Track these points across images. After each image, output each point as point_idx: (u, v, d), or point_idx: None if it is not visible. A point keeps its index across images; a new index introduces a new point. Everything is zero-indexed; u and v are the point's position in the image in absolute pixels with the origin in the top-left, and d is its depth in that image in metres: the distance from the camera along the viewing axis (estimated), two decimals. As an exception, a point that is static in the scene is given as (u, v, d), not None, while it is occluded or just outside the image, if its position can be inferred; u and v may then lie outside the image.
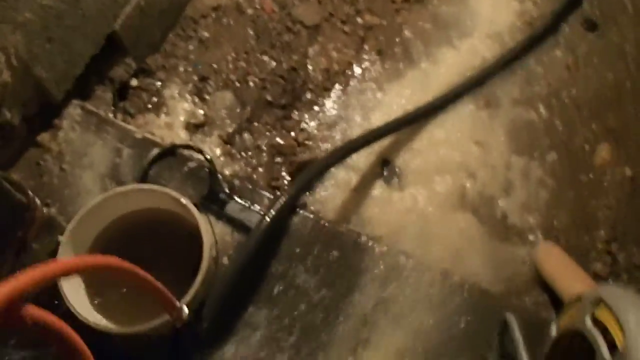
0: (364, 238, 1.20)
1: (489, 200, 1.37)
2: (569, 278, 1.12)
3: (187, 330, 1.10)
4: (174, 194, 1.13)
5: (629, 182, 1.35)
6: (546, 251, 1.30)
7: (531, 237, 1.33)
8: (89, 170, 1.25)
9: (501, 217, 1.35)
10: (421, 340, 1.12)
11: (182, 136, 1.39)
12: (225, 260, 1.20)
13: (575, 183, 1.37)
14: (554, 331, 1.01)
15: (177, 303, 0.91)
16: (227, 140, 1.40)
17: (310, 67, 1.47)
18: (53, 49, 1.22)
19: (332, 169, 1.37)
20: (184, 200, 1.12)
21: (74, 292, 1.06)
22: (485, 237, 1.34)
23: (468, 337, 1.15)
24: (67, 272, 0.64)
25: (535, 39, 1.51)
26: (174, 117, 1.41)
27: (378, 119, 1.42)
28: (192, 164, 1.27)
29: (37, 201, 1.07)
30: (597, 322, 0.87)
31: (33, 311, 0.58)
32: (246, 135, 1.41)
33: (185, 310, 0.93)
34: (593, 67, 1.49)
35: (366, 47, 1.50)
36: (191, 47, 1.48)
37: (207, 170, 1.25)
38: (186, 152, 1.28)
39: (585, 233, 1.33)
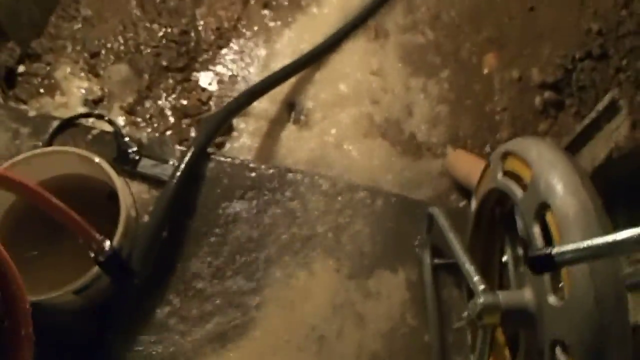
0: (283, 170, 1.22)
1: (395, 123, 1.42)
2: (479, 169, 1.17)
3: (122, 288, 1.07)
4: (85, 153, 1.09)
5: (517, 82, 1.44)
6: (454, 156, 1.36)
7: (441, 149, 1.39)
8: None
9: (409, 136, 1.41)
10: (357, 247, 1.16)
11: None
12: (147, 218, 1.18)
13: (471, 92, 1.45)
14: (473, 205, 1.06)
15: (97, 234, 0.88)
16: (130, 111, 1.38)
17: (200, 28, 1.48)
18: None
19: (242, 123, 1.38)
20: (96, 159, 1.08)
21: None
22: (398, 157, 1.38)
23: (400, 241, 1.18)
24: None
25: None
26: (69, 97, 1.37)
27: (276, 68, 1.44)
28: (95, 132, 1.24)
29: None
30: (508, 173, 0.92)
31: None
32: (148, 103, 1.39)
33: (107, 242, 0.89)
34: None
35: (252, 1, 1.53)
36: (76, 27, 1.45)
37: (112, 133, 1.22)
38: (88, 121, 1.25)
39: (490, 135, 1.41)
